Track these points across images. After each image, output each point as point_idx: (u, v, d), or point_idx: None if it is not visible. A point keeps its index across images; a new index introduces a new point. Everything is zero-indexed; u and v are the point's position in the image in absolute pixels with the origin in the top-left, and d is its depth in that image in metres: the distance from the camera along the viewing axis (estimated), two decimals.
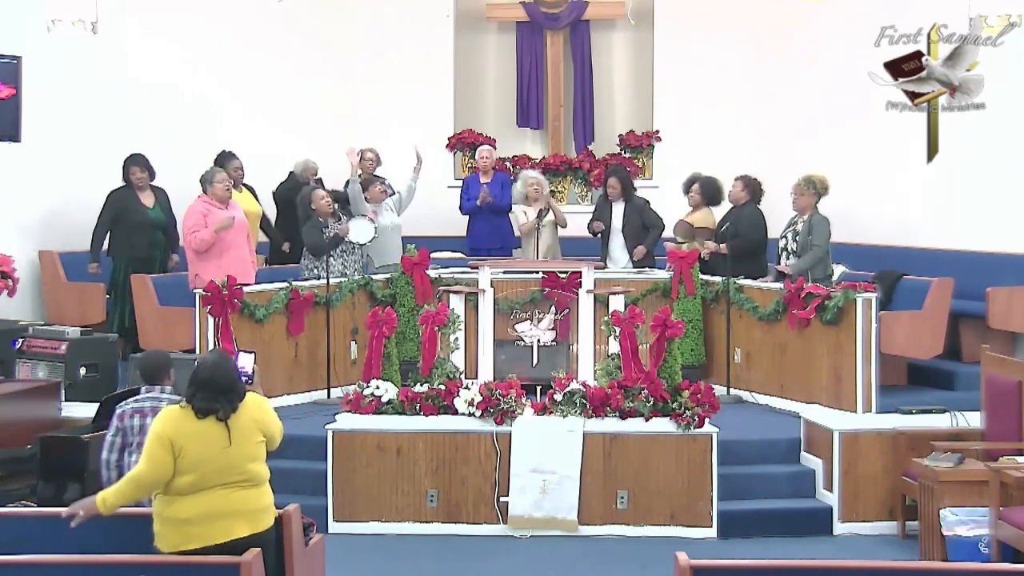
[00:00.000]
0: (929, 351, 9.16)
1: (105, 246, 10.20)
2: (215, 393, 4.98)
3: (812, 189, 9.34)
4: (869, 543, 7.44)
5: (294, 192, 10.93)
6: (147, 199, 10.23)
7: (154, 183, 10.29)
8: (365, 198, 10.18)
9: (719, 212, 10.25)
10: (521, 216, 10.69)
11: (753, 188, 9.92)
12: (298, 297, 9.01)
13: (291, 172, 11.36)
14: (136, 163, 10.19)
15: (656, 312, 8.15)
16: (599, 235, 10.41)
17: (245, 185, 10.70)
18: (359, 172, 10.69)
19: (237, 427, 5.00)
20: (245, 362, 5.51)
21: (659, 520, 7.54)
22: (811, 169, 9.63)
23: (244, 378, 5.40)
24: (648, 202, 10.47)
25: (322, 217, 9.69)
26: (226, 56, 11.75)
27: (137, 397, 6.03)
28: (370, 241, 9.64)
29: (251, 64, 11.97)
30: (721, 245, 9.68)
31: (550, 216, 10.53)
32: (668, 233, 10.38)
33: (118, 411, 5.99)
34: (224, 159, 10.37)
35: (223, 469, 4.95)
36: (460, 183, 12.22)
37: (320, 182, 10.74)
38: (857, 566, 5.20)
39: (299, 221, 9.97)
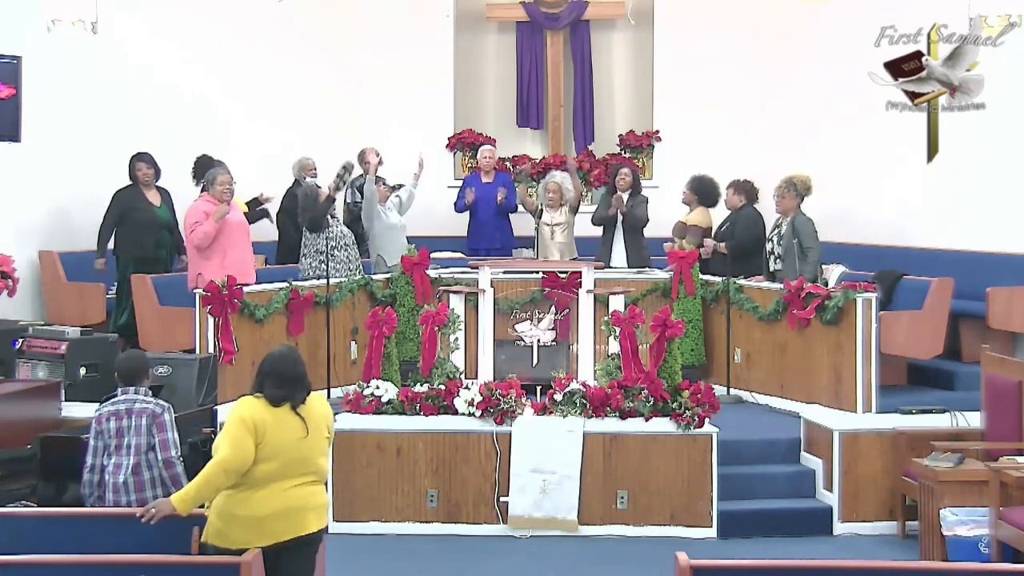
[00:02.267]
0: (929, 351, 9.15)
1: (111, 245, 10.20)
2: (283, 382, 5.02)
3: (793, 191, 9.36)
4: (869, 543, 7.44)
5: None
6: (153, 198, 10.23)
7: (158, 183, 10.29)
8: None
9: (717, 213, 10.28)
10: (545, 216, 10.54)
11: (746, 191, 9.94)
12: (298, 297, 9.01)
13: (295, 180, 11.31)
14: (142, 160, 10.19)
15: (656, 312, 8.15)
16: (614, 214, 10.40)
17: None
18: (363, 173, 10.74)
19: (311, 419, 5.06)
20: None
21: (659, 520, 7.54)
22: (811, 169, 9.64)
23: None
24: (647, 199, 10.48)
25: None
26: (226, 56, 11.76)
27: (113, 399, 6.00)
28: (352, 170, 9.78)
29: (251, 64, 11.98)
30: (720, 244, 9.71)
31: (562, 217, 10.48)
32: (664, 233, 10.42)
33: (95, 415, 5.98)
34: (212, 165, 10.28)
35: (299, 460, 5.00)
36: (460, 183, 12.27)
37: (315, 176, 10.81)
38: (857, 566, 5.20)
39: (300, 213, 9.96)
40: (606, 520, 7.55)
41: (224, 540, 4.96)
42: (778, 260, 9.38)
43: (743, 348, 9.41)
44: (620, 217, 10.30)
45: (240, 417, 4.97)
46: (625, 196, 10.35)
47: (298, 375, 5.08)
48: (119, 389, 6.03)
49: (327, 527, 5.22)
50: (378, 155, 10.65)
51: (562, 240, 10.49)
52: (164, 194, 10.32)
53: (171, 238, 10.25)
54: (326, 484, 7.45)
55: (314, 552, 5.11)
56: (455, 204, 11.60)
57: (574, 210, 10.63)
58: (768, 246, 9.52)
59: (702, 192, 10.30)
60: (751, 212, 9.91)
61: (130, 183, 10.21)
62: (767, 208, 10.01)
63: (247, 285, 8.95)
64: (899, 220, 11.09)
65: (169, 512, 4.91)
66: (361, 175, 11.11)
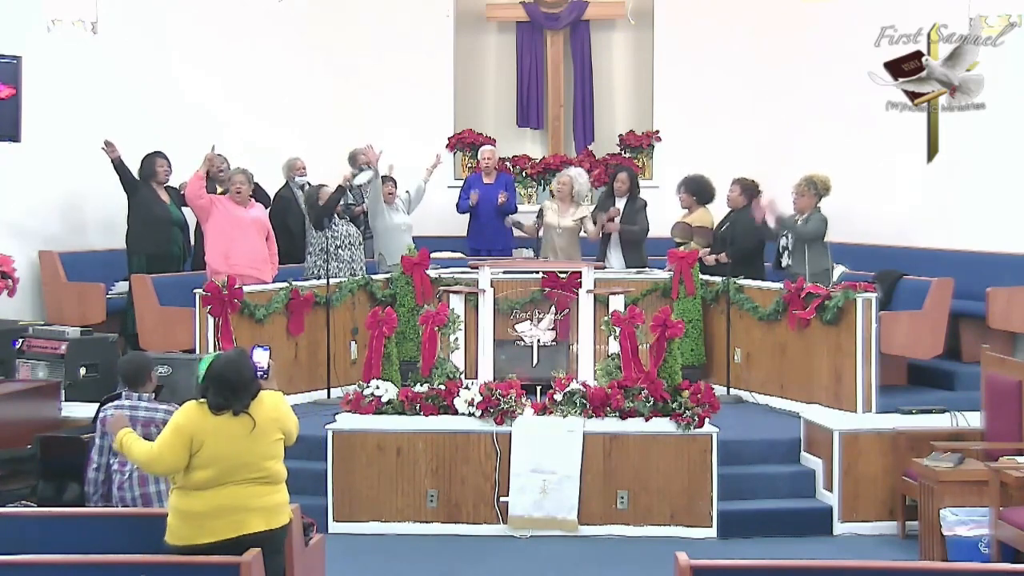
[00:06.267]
0: (929, 351, 9.16)
1: (123, 245, 10.21)
2: (225, 389, 5.00)
3: (813, 190, 9.34)
4: (869, 543, 7.44)
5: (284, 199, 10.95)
6: (165, 196, 10.26)
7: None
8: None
9: (717, 210, 10.25)
10: (551, 216, 10.44)
11: (750, 191, 9.88)
12: (298, 297, 9.01)
13: (286, 181, 11.30)
14: (162, 156, 10.21)
15: (656, 312, 8.14)
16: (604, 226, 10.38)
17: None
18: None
19: (255, 424, 5.03)
20: (260, 357, 5.52)
21: (659, 520, 7.53)
22: (811, 169, 9.63)
23: (259, 373, 5.43)
24: (647, 204, 10.45)
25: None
26: (226, 56, 11.76)
27: (118, 403, 6.02)
28: (367, 183, 10.23)
29: (251, 64, 11.98)
30: (721, 255, 9.68)
31: (568, 222, 10.39)
32: (664, 233, 10.40)
33: (100, 416, 6.00)
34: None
35: (241, 466, 4.98)
36: (461, 183, 12.27)
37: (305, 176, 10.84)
38: (857, 566, 5.20)
39: (309, 219, 9.97)
40: (606, 520, 7.55)
41: (173, 536, 4.97)
42: (790, 256, 9.36)
43: (743, 348, 9.41)
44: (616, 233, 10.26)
45: (176, 424, 5.02)
46: (622, 202, 10.31)
47: (242, 382, 5.05)
48: (124, 392, 6.03)
49: (283, 528, 5.08)
50: (376, 151, 10.62)
51: (566, 242, 10.36)
52: (172, 193, 10.33)
53: (183, 236, 10.28)
54: (333, 484, 7.54)
55: (271, 553, 4.98)
56: (458, 204, 11.61)
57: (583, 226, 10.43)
58: (782, 242, 9.49)
59: (699, 192, 10.25)
60: (749, 217, 9.88)
61: (139, 181, 10.20)
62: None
63: (261, 282, 9.01)
64: (899, 220, 11.09)
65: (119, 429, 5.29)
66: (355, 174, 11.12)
